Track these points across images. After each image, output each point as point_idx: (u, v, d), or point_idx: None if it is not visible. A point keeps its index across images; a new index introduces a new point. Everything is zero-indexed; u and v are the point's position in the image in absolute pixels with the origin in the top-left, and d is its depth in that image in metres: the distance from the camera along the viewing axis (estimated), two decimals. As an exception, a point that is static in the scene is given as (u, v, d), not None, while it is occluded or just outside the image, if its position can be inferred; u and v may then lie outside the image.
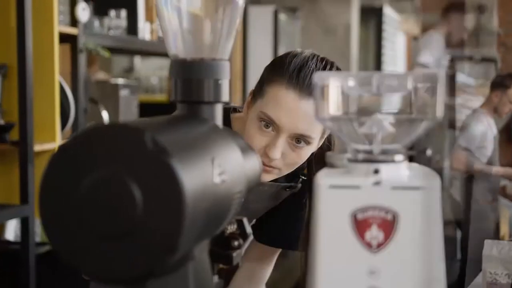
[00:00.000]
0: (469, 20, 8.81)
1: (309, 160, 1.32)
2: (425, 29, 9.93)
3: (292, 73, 1.23)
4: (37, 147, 2.48)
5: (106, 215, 0.61)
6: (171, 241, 0.60)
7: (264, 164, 1.24)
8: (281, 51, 6.38)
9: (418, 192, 0.68)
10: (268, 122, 1.24)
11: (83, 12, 2.70)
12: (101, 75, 4.12)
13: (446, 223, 4.18)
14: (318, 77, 0.73)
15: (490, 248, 1.86)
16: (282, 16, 4.99)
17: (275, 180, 1.34)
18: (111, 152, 0.63)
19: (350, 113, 0.74)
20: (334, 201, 0.69)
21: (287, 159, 1.26)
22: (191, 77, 0.83)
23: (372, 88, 0.72)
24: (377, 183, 0.69)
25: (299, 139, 1.24)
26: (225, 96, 0.85)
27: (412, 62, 9.98)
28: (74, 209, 0.62)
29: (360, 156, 0.73)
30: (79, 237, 0.62)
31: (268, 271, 1.55)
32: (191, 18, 0.84)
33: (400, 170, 0.72)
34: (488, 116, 4.21)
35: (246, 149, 0.88)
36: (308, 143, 1.25)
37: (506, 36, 9.29)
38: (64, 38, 2.70)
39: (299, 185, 1.42)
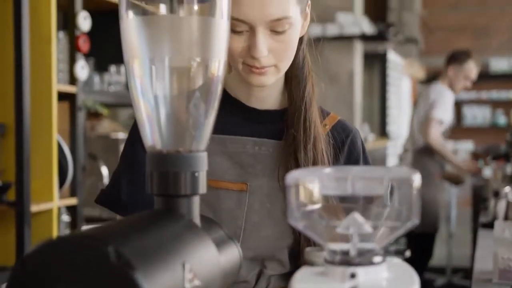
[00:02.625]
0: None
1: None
2: (429, 72, 9.98)
3: None
4: (34, 208, 2.46)
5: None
6: None
7: (255, 67, 1.15)
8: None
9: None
10: (238, 25, 1.12)
11: (82, 70, 2.72)
12: (106, 124, 4.12)
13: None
14: (291, 177, 0.71)
15: (501, 229, 1.69)
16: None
17: None
18: (72, 267, 0.61)
19: (325, 212, 0.72)
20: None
21: (276, 52, 1.15)
22: (168, 169, 0.81)
23: (347, 188, 0.71)
24: (352, 291, 0.66)
25: (278, 25, 1.12)
26: (202, 188, 0.83)
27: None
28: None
29: (337, 258, 0.70)
30: None
31: None
32: (168, 110, 0.83)
33: (378, 274, 0.69)
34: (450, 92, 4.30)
35: (224, 241, 0.86)
36: (289, 25, 1.13)
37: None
38: (63, 96, 2.70)
39: None
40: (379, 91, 7.56)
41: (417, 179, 0.68)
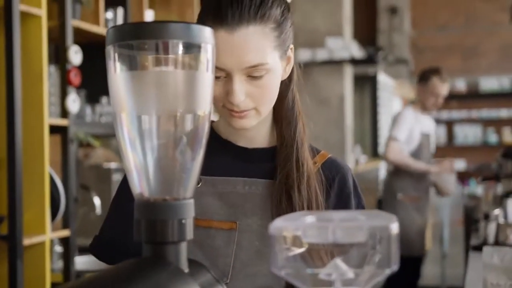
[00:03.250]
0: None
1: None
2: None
3: (214, 11, 1.14)
4: (27, 241, 2.47)
5: None
6: None
7: (235, 111, 1.16)
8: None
9: None
10: (216, 71, 1.12)
11: (74, 103, 2.74)
12: (100, 152, 4.14)
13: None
14: (274, 226, 0.73)
15: (490, 255, 1.70)
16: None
17: None
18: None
19: (307, 259, 0.74)
20: None
21: (254, 96, 1.16)
22: (155, 217, 0.84)
23: (329, 236, 0.73)
24: None
25: (254, 71, 1.13)
26: (189, 234, 0.86)
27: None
28: None
29: (320, 303, 0.73)
30: None
31: None
32: (155, 160, 0.85)
33: (360, 318, 0.71)
34: (417, 112, 4.29)
35: (211, 284, 0.88)
36: (266, 70, 1.15)
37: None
38: (55, 129, 2.73)
39: None
40: (370, 113, 7.61)
41: (394, 227, 0.71)
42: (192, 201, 0.86)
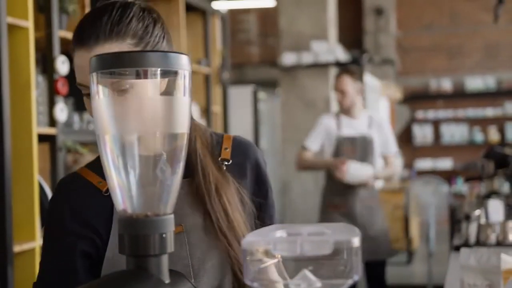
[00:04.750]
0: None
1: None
2: (406, 92, 10.16)
3: (77, 33, 1.21)
4: (17, 248, 2.52)
5: None
6: None
7: None
8: (262, 128, 6.52)
9: None
10: (83, 89, 1.20)
11: (61, 112, 2.79)
12: (88, 158, 4.18)
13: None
14: (245, 241, 0.80)
15: (467, 256, 1.75)
16: (262, 94, 5.12)
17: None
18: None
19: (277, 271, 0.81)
20: None
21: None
22: (138, 232, 0.90)
23: (297, 250, 0.79)
24: None
25: (119, 86, 1.14)
26: (170, 247, 0.92)
27: (395, 126, 10.17)
28: None
29: (290, 311, 0.79)
30: None
31: None
32: (137, 179, 0.92)
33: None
34: (331, 118, 4.16)
35: (192, 295, 0.94)
36: (130, 85, 1.15)
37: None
38: (43, 137, 2.78)
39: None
40: (357, 114, 7.67)
41: (356, 240, 0.77)
42: (172, 216, 0.92)
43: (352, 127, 4.11)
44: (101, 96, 0.90)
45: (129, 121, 0.90)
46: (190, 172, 1.28)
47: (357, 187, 4.07)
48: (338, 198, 4.08)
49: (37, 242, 2.65)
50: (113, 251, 1.24)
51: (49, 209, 1.31)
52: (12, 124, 2.53)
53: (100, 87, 0.91)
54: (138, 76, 0.91)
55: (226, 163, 1.31)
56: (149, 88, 0.90)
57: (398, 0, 10.20)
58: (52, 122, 2.82)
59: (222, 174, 1.29)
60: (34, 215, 2.64)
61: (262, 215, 1.35)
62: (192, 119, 1.30)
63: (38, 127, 2.69)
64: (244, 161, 1.34)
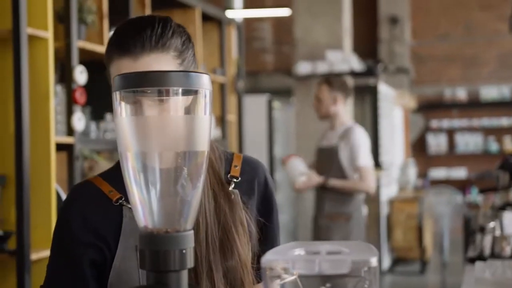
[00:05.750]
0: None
1: None
2: (421, 101, 10.14)
3: (120, 42, 1.22)
4: (34, 256, 2.55)
5: None
6: None
7: None
8: (276, 136, 6.54)
9: None
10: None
11: (79, 121, 2.83)
12: (103, 165, 4.22)
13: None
14: (265, 259, 0.81)
15: (482, 270, 1.76)
16: (276, 104, 5.13)
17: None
18: None
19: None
20: None
21: None
22: (158, 248, 0.92)
23: (315, 268, 0.81)
24: None
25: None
26: (190, 263, 0.93)
27: (410, 135, 10.15)
28: None
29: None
30: None
31: None
32: (158, 196, 0.93)
33: None
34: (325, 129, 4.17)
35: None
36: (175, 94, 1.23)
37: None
38: (61, 146, 2.81)
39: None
40: (371, 123, 7.68)
41: (374, 260, 0.79)
42: (192, 232, 0.94)
43: (328, 138, 4.13)
44: (123, 114, 0.92)
45: (150, 139, 0.92)
46: None
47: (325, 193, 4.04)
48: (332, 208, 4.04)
49: (54, 250, 2.68)
50: (120, 260, 1.25)
51: (59, 214, 1.32)
52: (31, 133, 2.57)
53: (123, 106, 0.93)
54: (160, 95, 0.93)
55: (235, 180, 1.33)
56: (170, 106, 0.92)
57: (413, 9, 10.19)
58: (70, 131, 2.85)
59: (226, 192, 1.30)
60: (51, 223, 2.67)
61: (265, 235, 1.35)
62: None
63: (56, 136, 2.73)
64: (253, 179, 1.36)
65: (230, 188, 1.32)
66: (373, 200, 7.08)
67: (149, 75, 0.91)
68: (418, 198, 7.48)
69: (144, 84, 0.90)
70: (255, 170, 1.38)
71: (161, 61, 1.22)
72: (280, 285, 0.82)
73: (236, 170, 1.35)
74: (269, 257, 0.82)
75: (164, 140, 0.92)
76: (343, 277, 0.81)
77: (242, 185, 1.34)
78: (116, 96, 0.92)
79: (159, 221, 0.94)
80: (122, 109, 0.92)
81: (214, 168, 1.32)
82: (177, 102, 0.91)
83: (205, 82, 0.93)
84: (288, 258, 0.81)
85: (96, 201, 1.29)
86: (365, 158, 4.03)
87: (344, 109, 4.15)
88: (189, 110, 0.92)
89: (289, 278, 0.84)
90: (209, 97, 0.94)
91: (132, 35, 1.22)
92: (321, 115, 4.14)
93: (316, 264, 0.80)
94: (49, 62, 2.65)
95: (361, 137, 4.09)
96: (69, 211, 1.30)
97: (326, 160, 4.06)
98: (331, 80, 4.16)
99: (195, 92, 0.92)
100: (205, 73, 0.94)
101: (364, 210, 4.27)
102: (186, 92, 0.91)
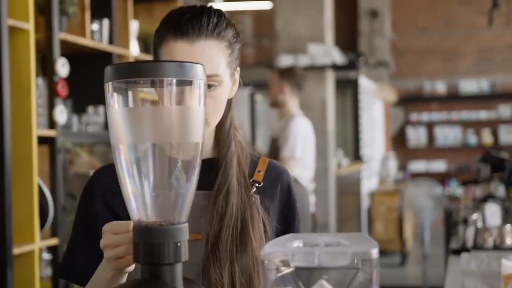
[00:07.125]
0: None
1: None
2: (400, 95, 10.19)
3: (176, 24, 1.22)
4: (16, 250, 2.52)
5: None
6: None
7: None
8: (258, 130, 6.52)
9: None
10: None
11: (61, 114, 2.79)
12: (84, 158, 4.17)
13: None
14: (264, 252, 0.80)
15: (467, 261, 1.76)
16: (258, 97, 5.12)
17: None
18: None
19: (295, 280, 0.81)
20: None
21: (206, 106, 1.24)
22: (152, 241, 0.90)
23: (314, 260, 0.80)
24: None
25: (209, 81, 1.20)
26: (184, 256, 0.92)
27: (390, 129, 10.20)
28: None
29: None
30: None
31: None
32: (152, 188, 0.92)
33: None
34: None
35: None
36: (219, 82, 1.23)
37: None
38: (43, 139, 2.77)
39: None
40: (352, 116, 7.70)
41: (374, 252, 0.78)
42: (186, 224, 0.92)
43: (275, 129, 4.25)
44: (115, 105, 0.91)
45: (143, 131, 0.91)
46: (209, 184, 1.28)
47: None
48: None
49: (37, 244, 2.65)
50: None
51: (83, 193, 1.32)
52: (12, 126, 2.53)
53: (115, 97, 0.91)
54: (153, 86, 0.91)
55: (257, 185, 1.33)
56: (164, 97, 0.90)
57: (392, 3, 10.22)
58: (52, 124, 2.81)
59: (248, 196, 1.30)
60: (33, 217, 2.64)
61: None
62: (232, 128, 1.31)
63: (38, 129, 2.69)
64: (275, 185, 1.36)
65: (251, 192, 1.31)
66: (354, 192, 7.12)
67: (142, 65, 0.90)
68: (398, 191, 7.52)
69: (137, 74, 0.89)
70: (279, 176, 1.38)
71: (215, 48, 1.22)
72: (278, 277, 0.81)
73: (259, 175, 1.34)
74: (268, 249, 0.81)
75: (157, 131, 0.90)
76: (343, 269, 0.80)
77: (265, 189, 1.33)
78: (108, 87, 0.90)
79: (153, 214, 0.92)
80: (114, 100, 0.90)
81: (241, 166, 1.31)
82: (171, 92, 0.89)
83: (199, 73, 0.91)
84: (287, 251, 0.80)
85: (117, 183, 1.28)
86: (290, 149, 3.97)
87: (292, 100, 4.11)
88: (183, 101, 0.91)
89: (287, 270, 0.83)
90: (204, 88, 0.93)
91: (190, 19, 1.22)
92: (269, 103, 4.25)
93: (315, 257, 0.79)
94: (30, 54, 2.61)
95: (295, 128, 4.03)
96: (91, 186, 1.30)
97: (273, 151, 4.07)
98: (282, 70, 4.29)
99: (190, 83, 0.91)
100: (199, 64, 0.92)
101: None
102: (180, 83, 0.90)
